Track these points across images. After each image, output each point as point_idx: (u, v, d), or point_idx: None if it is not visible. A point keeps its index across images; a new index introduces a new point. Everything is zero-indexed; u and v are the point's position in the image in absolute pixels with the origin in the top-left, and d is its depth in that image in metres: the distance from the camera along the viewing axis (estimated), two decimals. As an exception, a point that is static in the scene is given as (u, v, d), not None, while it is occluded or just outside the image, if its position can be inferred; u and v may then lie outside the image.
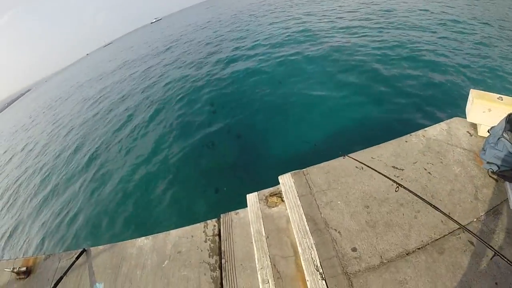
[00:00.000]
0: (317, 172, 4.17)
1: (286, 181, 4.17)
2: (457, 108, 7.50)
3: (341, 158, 4.23)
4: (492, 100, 3.96)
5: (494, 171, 3.56)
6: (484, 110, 3.98)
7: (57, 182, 13.14)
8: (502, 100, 3.93)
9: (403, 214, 3.43)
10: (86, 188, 11.23)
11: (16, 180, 16.78)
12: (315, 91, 11.74)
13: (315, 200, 3.80)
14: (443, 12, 18.23)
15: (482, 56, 11.75)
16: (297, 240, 3.51)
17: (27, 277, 4.73)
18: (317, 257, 3.26)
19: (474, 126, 4.34)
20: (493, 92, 4.17)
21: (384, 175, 3.36)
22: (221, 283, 3.76)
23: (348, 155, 4.20)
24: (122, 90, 24.31)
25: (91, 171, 12.51)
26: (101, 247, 4.76)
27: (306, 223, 3.54)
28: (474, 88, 4.25)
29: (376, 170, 3.53)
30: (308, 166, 4.34)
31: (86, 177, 12.14)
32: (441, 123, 4.58)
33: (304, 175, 4.15)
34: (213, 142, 10.47)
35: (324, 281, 3.07)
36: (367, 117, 9.24)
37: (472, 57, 11.69)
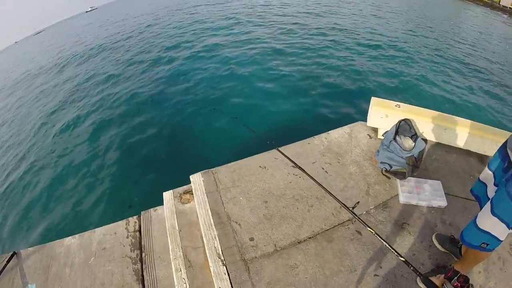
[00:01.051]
0: (224, 171, 4.69)
1: (196, 179, 4.67)
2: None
3: (247, 159, 4.82)
4: (389, 107, 4.59)
5: (387, 170, 4.14)
6: (381, 116, 4.60)
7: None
8: (399, 107, 4.57)
9: (298, 208, 3.98)
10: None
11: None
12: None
13: (220, 196, 4.33)
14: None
15: (398, 66, 13.74)
16: (203, 232, 4.01)
17: None
18: (219, 246, 3.76)
19: (375, 130, 4.95)
20: (394, 100, 4.84)
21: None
22: (142, 275, 4.24)
23: (257, 155, 4.83)
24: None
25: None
26: (31, 248, 5.08)
27: (211, 217, 4.05)
28: (375, 96, 4.90)
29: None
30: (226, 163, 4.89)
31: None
32: (344, 126, 5.16)
33: (213, 174, 4.65)
34: (135, 138, 11.10)
35: (225, 267, 3.57)
36: (278, 118, 10.29)
37: (386, 67, 13.62)
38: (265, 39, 18.38)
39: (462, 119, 4.61)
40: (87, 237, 4.93)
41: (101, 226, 5.11)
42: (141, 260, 4.43)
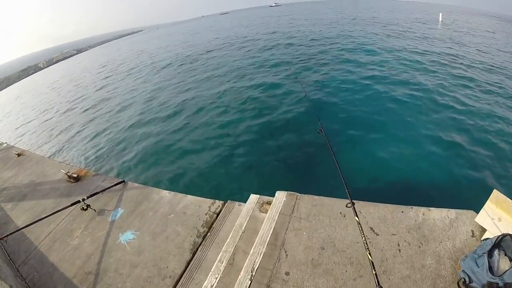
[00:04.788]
0: (307, 201, 4.76)
1: (279, 197, 4.92)
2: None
3: (334, 199, 4.77)
4: (508, 210, 3.74)
5: (465, 282, 3.49)
6: (494, 217, 3.82)
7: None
8: (521, 214, 3.64)
9: (346, 271, 3.83)
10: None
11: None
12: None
13: (289, 222, 4.48)
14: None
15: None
16: (254, 243, 4.30)
17: (74, 182, 6.48)
18: (258, 262, 4.03)
19: (483, 229, 4.11)
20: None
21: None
22: (198, 248, 4.88)
23: (345, 199, 4.70)
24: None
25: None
26: (136, 184, 6.33)
27: (269, 235, 4.28)
28: (498, 190, 4.01)
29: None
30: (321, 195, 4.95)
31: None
32: (452, 210, 4.48)
33: (296, 199, 4.77)
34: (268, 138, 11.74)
35: (250, 281, 3.84)
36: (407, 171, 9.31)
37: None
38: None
39: None
40: (178, 198, 5.81)
41: (194, 194, 5.98)
42: (204, 237, 5.03)
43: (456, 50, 24.80)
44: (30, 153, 8.59)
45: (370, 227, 4.33)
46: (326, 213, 4.59)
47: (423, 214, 4.47)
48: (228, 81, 19.63)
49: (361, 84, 16.25)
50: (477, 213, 4.21)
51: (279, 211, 4.70)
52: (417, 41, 28.58)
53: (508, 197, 3.90)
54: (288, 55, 24.64)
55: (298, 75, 18.17)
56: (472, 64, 20.09)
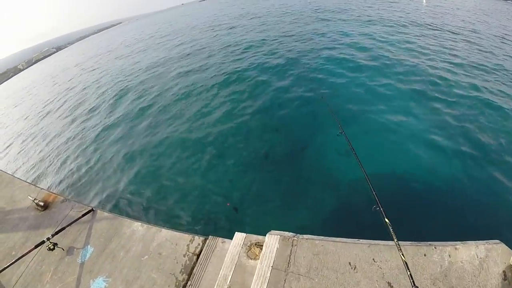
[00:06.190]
0: (306, 247, 3.68)
1: (271, 242, 3.82)
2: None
3: (340, 242, 3.64)
4: None
5: None
6: None
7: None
8: None
9: None
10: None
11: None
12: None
13: (284, 281, 3.41)
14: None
15: None
16: (243, 314, 3.27)
17: (42, 211, 5.66)
18: None
19: None
20: None
21: None
22: None
23: (352, 243, 3.62)
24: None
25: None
26: (106, 213, 5.41)
27: (261, 303, 3.24)
28: None
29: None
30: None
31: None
32: (480, 244, 3.52)
33: (292, 245, 3.71)
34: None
35: None
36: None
37: None
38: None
39: None
40: (152, 233, 4.85)
41: (170, 225, 5.29)
42: (184, 287, 4.07)
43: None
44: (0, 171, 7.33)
45: (388, 282, 3.28)
46: (332, 266, 3.49)
47: (449, 256, 3.45)
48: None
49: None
50: (505, 243, 3.45)
51: (271, 264, 3.60)
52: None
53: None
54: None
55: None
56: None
